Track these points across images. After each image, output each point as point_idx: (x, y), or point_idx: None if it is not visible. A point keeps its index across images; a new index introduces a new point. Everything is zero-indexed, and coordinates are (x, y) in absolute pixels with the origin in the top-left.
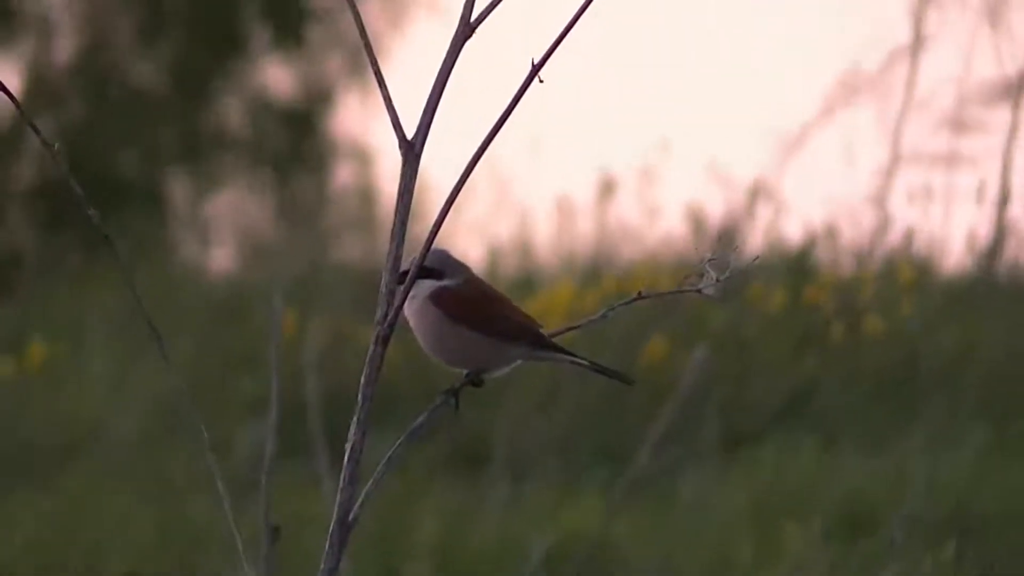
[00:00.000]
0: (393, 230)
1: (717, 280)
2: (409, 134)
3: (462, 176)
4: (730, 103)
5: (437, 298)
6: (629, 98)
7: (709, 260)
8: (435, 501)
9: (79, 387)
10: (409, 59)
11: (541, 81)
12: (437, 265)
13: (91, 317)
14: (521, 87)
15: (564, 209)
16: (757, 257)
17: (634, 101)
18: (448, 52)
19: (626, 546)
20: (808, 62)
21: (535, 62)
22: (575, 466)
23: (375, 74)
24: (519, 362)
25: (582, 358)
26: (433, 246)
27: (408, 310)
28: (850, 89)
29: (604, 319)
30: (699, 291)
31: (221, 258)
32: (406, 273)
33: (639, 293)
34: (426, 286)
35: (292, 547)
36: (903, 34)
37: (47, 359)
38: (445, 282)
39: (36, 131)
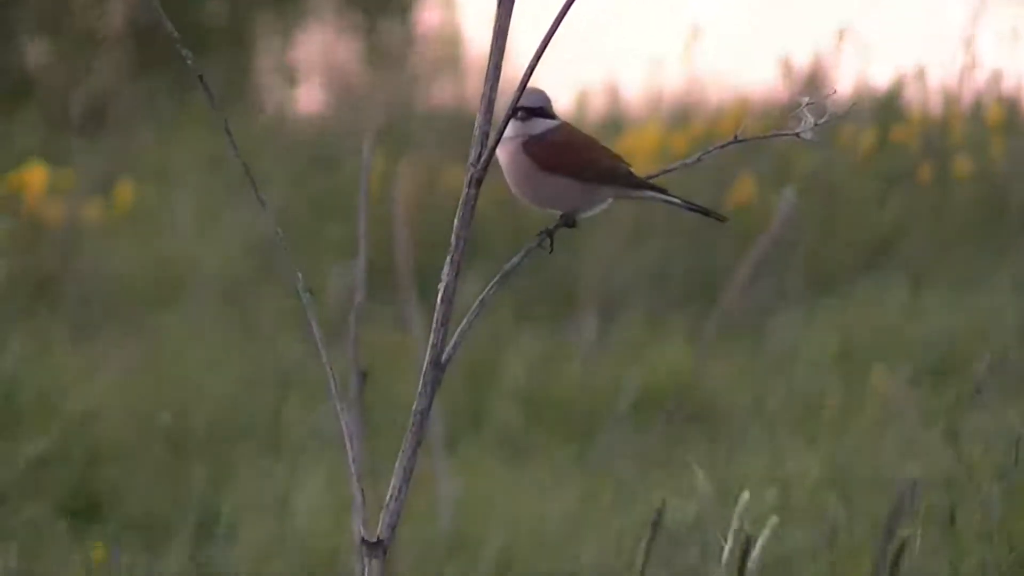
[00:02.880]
0: (487, 73)
1: (816, 124)
2: None
3: (557, 18)
4: None
5: (528, 147)
6: None
7: (807, 104)
8: (523, 343)
9: (168, 229)
10: None
11: None
12: (542, 103)
13: (179, 160)
14: None
15: (653, 55)
16: (853, 103)
17: None
18: None
19: (715, 388)
20: None
21: None
22: (663, 307)
23: None
24: (611, 200)
25: (675, 197)
26: (528, 86)
27: (500, 153)
28: None
29: (699, 161)
30: (797, 135)
31: (309, 101)
32: (514, 112)
33: (735, 136)
34: (522, 130)
35: (380, 389)
36: None
37: (136, 201)
38: (535, 130)
39: None
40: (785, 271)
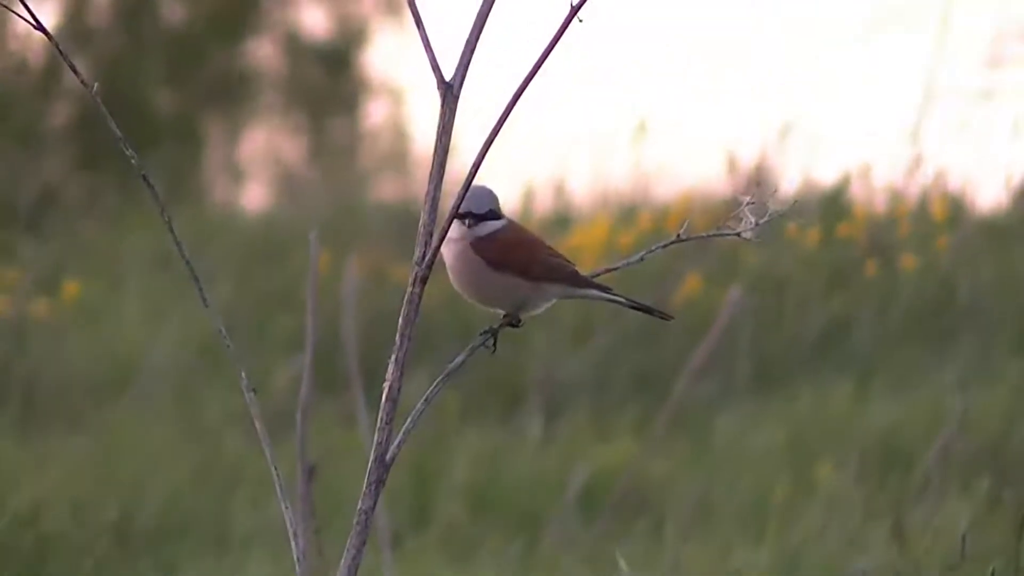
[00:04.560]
0: (431, 171)
1: (756, 224)
2: (446, 74)
3: (500, 117)
4: (763, 36)
5: (476, 245)
6: (663, 39)
7: (747, 203)
8: (469, 438)
9: (115, 326)
10: None
11: (580, 21)
12: (491, 206)
13: (127, 256)
14: (560, 28)
15: (600, 148)
16: (795, 201)
17: (668, 42)
18: None
19: (662, 481)
20: None
21: (574, 3)
22: (609, 403)
23: (413, 14)
24: (555, 300)
25: (619, 295)
26: (474, 184)
27: (446, 250)
28: (883, 22)
29: (641, 261)
30: (738, 235)
31: (256, 197)
32: (462, 216)
33: (677, 235)
34: (470, 231)
35: (328, 483)
36: None
37: (82, 298)
38: (483, 231)
39: (75, 71)
40: (732, 366)
